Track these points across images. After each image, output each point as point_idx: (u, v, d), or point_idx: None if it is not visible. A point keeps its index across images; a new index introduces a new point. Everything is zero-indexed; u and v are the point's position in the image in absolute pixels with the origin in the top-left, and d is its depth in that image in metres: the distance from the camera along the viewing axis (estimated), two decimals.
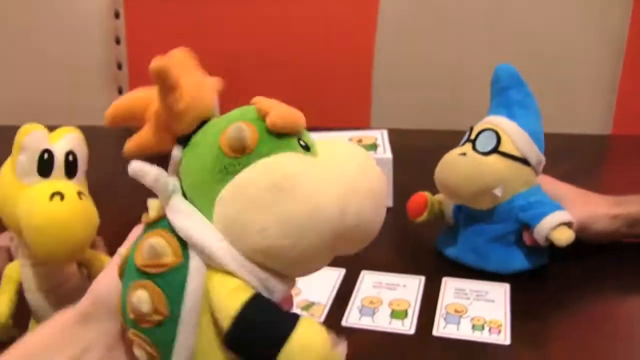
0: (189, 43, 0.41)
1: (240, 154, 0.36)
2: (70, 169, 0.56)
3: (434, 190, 0.69)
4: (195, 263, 0.36)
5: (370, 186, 0.38)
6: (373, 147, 0.82)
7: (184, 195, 0.38)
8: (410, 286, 0.64)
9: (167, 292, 0.36)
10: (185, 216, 0.37)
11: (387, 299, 0.62)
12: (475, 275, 0.65)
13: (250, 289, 0.36)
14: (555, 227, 0.60)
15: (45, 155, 0.53)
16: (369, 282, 0.65)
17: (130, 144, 0.40)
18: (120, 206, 0.67)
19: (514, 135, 0.62)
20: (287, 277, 0.39)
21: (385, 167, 0.78)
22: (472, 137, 0.64)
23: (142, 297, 0.36)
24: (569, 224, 0.60)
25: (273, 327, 0.35)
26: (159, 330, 0.37)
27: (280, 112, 0.38)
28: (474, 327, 0.57)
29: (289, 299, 0.41)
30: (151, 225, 0.39)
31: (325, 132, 0.84)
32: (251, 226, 0.35)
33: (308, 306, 0.61)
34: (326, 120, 1.00)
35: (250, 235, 0.35)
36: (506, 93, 0.64)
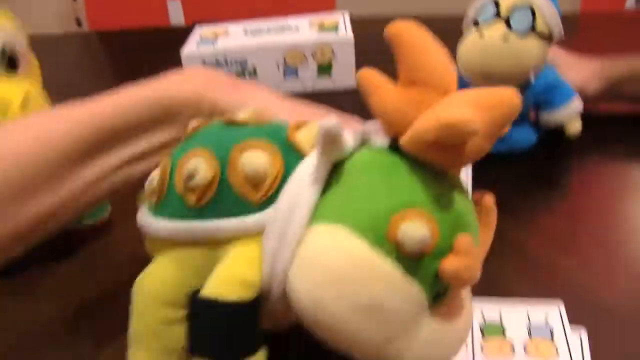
0: None
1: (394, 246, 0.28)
2: (11, 63, 0.52)
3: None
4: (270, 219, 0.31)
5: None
6: (334, 28, 0.80)
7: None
8: None
9: None
10: (310, 193, 0.30)
11: None
12: None
13: (253, 290, 0.31)
14: (571, 118, 0.61)
15: None
16: None
17: (374, 87, 0.30)
18: None
19: (546, 10, 0.58)
20: None
21: (347, 49, 0.78)
22: (504, 14, 0.58)
23: (197, 165, 0.32)
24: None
25: (229, 342, 0.31)
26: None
27: (467, 271, 0.28)
28: None
29: None
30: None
31: (290, 17, 0.83)
32: (316, 292, 0.28)
33: None
34: (290, 5, 0.97)
35: (303, 292, 0.29)
36: None
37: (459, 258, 0.28)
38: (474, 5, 0.61)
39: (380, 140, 0.31)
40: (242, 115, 0.35)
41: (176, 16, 1.73)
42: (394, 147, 0.30)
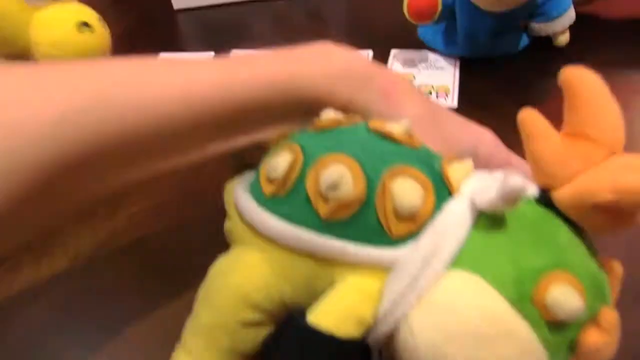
0: None
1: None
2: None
3: None
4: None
5: None
6: None
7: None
8: None
9: None
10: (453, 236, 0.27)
11: None
12: (424, 47, 0.63)
13: (365, 329, 0.28)
14: (564, 28, 0.60)
15: None
16: None
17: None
18: None
19: None
20: None
21: None
22: None
23: (344, 176, 0.28)
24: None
25: None
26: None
27: (607, 348, 0.26)
28: None
29: None
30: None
31: None
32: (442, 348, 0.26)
33: None
34: None
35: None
36: None
37: (604, 334, 0.26)
38: None
39: (529, 188, 0.28)
40: (395, 129, 0.30)
41: None
42: (543, 199, 0.28)
